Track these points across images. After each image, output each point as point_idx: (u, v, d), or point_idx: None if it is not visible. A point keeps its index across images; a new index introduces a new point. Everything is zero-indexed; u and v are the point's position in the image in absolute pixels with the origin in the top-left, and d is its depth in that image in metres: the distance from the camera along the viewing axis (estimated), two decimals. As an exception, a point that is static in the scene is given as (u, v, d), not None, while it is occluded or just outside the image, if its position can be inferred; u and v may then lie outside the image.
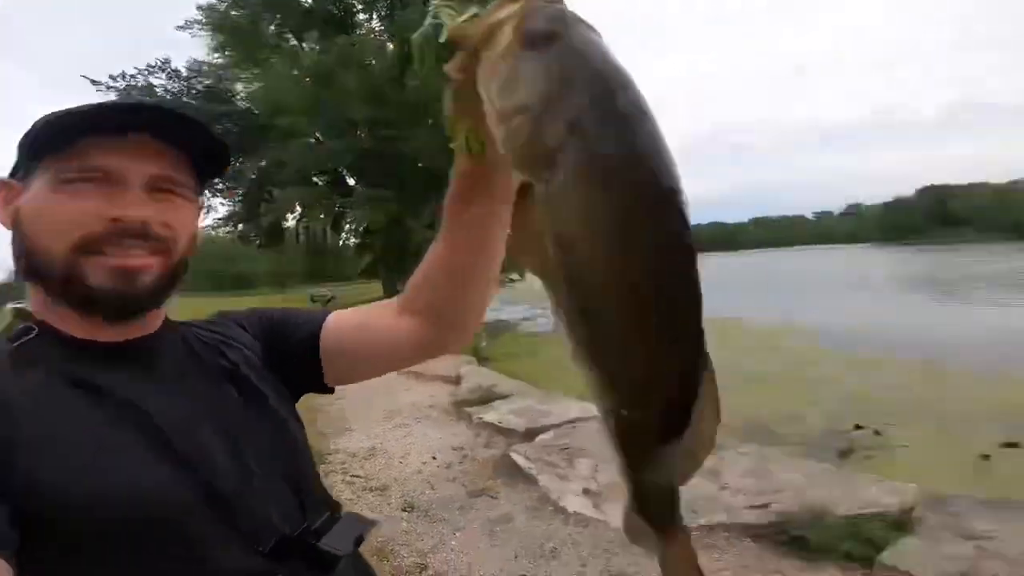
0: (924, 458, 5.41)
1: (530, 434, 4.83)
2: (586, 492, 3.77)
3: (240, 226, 24.59)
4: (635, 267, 0.40)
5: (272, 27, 20.72)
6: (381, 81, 16.60)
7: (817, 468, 4.00)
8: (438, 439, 5.00)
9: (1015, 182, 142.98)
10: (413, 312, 0.80)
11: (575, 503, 3.60)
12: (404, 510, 3.60)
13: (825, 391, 7.77)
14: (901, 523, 3.03)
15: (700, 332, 0.45)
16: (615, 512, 3.55)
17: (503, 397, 6.13)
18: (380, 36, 17.88)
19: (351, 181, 21.93)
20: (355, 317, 0.84)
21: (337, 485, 4.04)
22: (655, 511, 0.54)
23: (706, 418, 0.45)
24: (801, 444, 5.85)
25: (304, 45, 18.66)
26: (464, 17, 0.48)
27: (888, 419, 6.37)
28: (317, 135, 17.99)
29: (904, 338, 11.06)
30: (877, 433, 6.07)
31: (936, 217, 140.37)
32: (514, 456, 4.34)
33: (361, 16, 19.75)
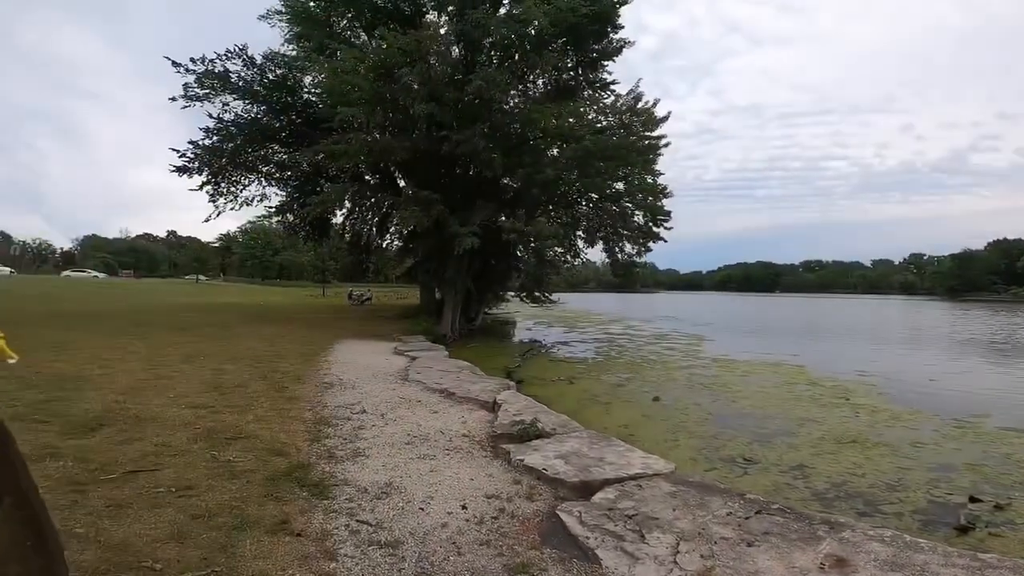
0: None
1: (584, 489, 3.89)
2: (664, 586, 2.81)
3: (289, 216, 24.56)
4: None
5: (344, 21, 20.89)
6: (441, 80, 16.26)
7: (976, 558, 3.05)
8: (469, 481, 4.09)
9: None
10: None
11: (653, 604, 2.64)
12: (420, 585, 2.69)
13: (917, 456, 6.79)
14: None
15: None
16: None
17: (547, 436, 5.20)
18: (447, 36, 17.62)
19: (401, 182, 21.69)
20: None
21: (339, 532, 3.17)
22: None
23: None
24: (908, 517, 5.09)
25: (373, 41, 18.73)
26: None
27: (1003, 492, 5.63)
28: (375, 133, 17.81)
29: (989, 401, 9.91)
30: (999, 507, 5.27)
31: (1006, 273, 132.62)
32: (565, 519, 3.40)
33: (430, 16, 19.64)
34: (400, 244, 24.35)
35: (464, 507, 3.62)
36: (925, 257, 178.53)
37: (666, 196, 21.71)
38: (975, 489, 5.67)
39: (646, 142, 19.79)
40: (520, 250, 20.28)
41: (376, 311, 27.05)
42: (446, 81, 16.41)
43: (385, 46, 16.47)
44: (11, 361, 7.82)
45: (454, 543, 3.11)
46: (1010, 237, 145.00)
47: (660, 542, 3.21)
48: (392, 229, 24.35)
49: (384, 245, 26.72)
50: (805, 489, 5.76)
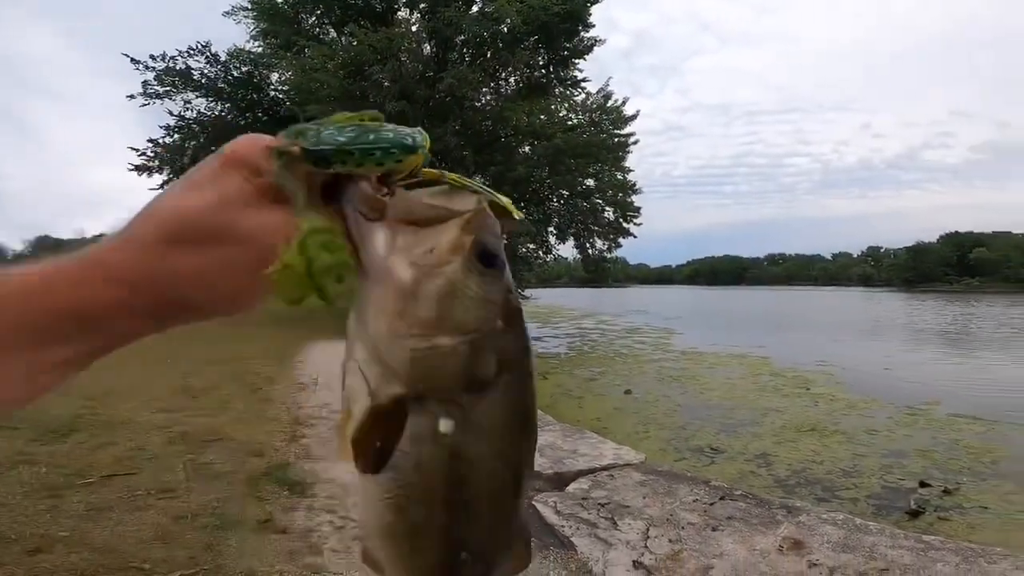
0: (1007, 521, 4.95)
1: (558, 480, 4.05)
2: (638, 566, 2.98)
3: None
4: (510, 477, 0.41)
5: (312, 17, 20.70)
6: (412, 78, 16.27)
7: (921, 540, 3.30)
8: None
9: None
10: None
11: (625, 584, 2.81)
12: (404, 575, 2.80)
13: (871, 442, 7.17)
14: None
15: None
16: None
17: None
18: (419, 33, 17.62)
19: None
20: None
21: (323, 528, 3.25)
22: None
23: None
24: (864, 502, 5.40)
25: (342, 38, 18.61)
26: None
27: (951, 477, 5.96)
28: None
29: (941, 389, 10.46)
30: (947, 492, 5.58)
31: (958, 265, 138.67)
32: (541, 509, 3.55)
33: (402, 13, 19.60)
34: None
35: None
36: (882, 250, 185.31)
37: (635, 192, 22.15)
38: (925, 474, 6.02)
39: (615, 140, 20.13)
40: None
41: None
42: (417, 79, 16.44)
43: (356, 43, 16.39)
44: None
45: (435, 535, 3.23)
46: (961, 230, 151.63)
47: (631, 528, 3.38)
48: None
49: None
50: (768, 476, 6.05)
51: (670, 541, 3.32)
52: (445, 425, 0.37)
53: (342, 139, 0.37)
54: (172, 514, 3.18)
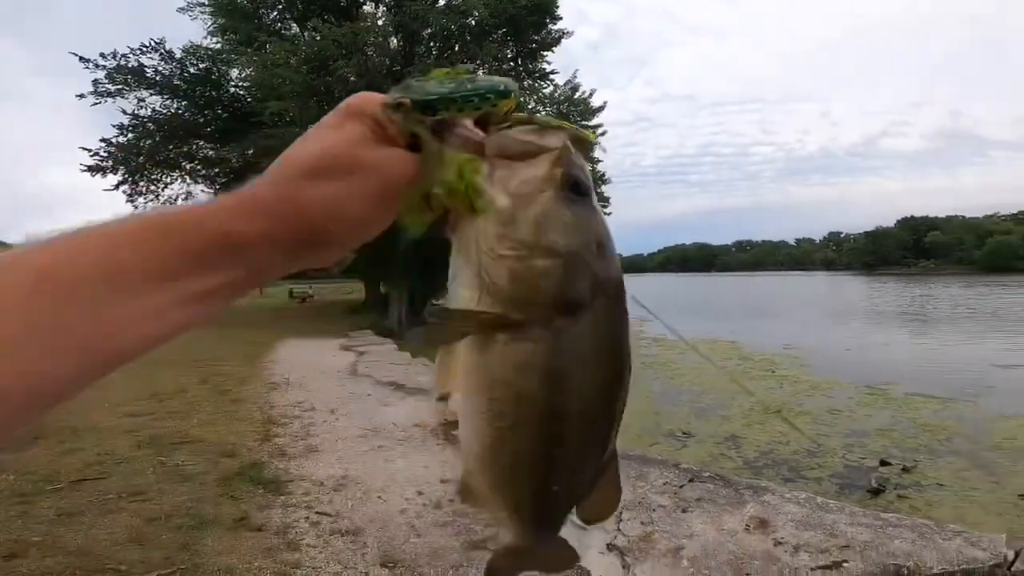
0: (963, 498, 5.15)
1: (533, 468, 4.12)
2: (612, 548, 3.07)
3: (219, 215, 23.56)
4: (607, 397, 0.44)
5: (274, 12, 20.22)
6: (379, 72, 16.06)
7: (879, 517, 3.44)
8: (424, 469, 4.23)
9: (990, 216, 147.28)
10: None
11: (601, 564, 2.89)
12: (384, 565, 2.83)
13: (834, 422, 7.42)
14: None
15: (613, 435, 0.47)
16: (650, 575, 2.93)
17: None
18: (385, 27, 17.37)
19: (338, 174, 21.26)
20: None
21: (299, 524, 3.26)
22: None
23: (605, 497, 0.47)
24: (828, 481, 5.57)
25: (305, 33, 18.21)
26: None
27: (909, 455, 6.14)
28: (309, 126, 17.38)
29: (900, 369, 10.82)
30: (906, 470, 5.79)
31: (914, 248, 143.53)
32: (517, 497, 3.62)
33: (367, 7, 19.30)
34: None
35: (420, 493, 3.77)
36: (842, 235, 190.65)
37: (604, 183, 22.31)
38: (885, 453, 6.23)
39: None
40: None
41: (320, 308, 26.49)
42: (384, 73, 16.22)
43: (319, 38, 16.09)
44: None
45: (413, 527, 3.27)
46: (916, 215, 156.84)
47: (605, 512, 3.47)
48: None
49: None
50: (737, 458, 6.23)
51: (642, 523, 3.42)
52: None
53: (445, 89, 0.42)
54: (145, 516, 3.15)
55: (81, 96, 19.38)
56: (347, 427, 5.50)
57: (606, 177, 22.50)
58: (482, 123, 0.44)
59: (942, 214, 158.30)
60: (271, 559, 2.77)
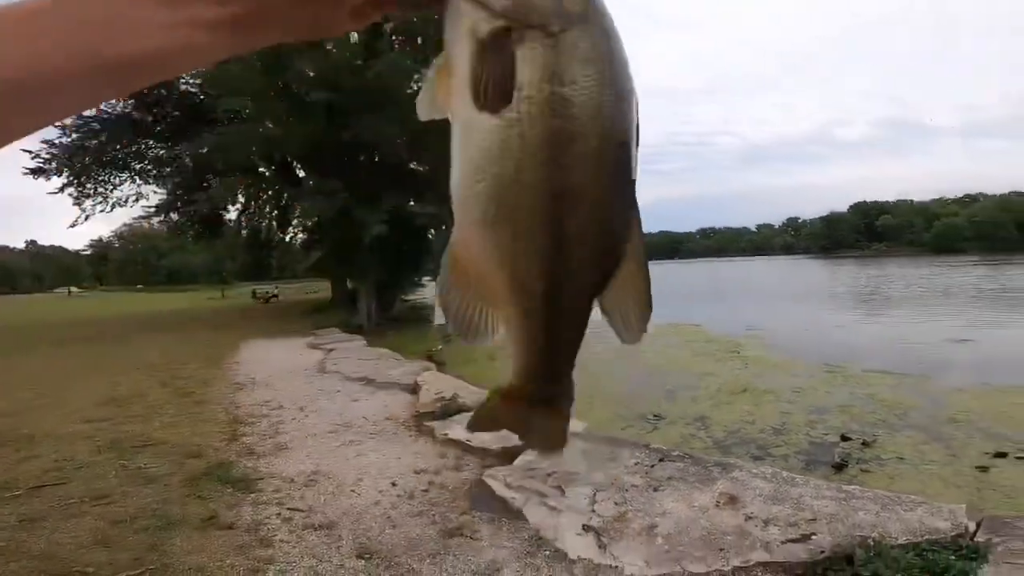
0: (922, 471, 5.28)
1: (507, 454, 4.13)
2: (587, 529, 3.11)
3: (174, 216, 22.81)
4: (614, 139, 0.39)
5: None
6: (340, 66, 15.74)
7: (842, 489, 3.56)
8: (397, 460, 4.21)
9: (937, 200, 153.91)
10: None
11: (577, 545, 2.92)
12: (360, 557, 2.81)
13: (797, 400, 7.64)
14: (976, 551, 2.65)
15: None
16: (628, 555, 2.98)
17: (469, 409, 5.40)
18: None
19: (300, 172, 20.82)
20: None
21: (271, 521, 3.20)
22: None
23: (634, 274, 0.43)
24: (794, 458, 5.70)
25: None
26: None
27: (869, 430, 6.26)
28: (268, 122, 16.94)
29: (857, 347, 11.20)
30: (866, 444, 5.94)
31: (867, 231, 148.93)
32: (491, 483, 3.62)
33: None
34: (305, 237, 23.46)
35: (394, 484, 3.75)
36: (800, 220, 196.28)
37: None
38: (845, 428, 6.41)
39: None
40: (432, 234, 20.21)
41: (285, 308, 25.97)
42: (345, 67, 15.90)
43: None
44: None
45: (388, 518, 3.25)
46: (868, 200, 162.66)
47: (579, 494, 3.51)
48: (295, 222, 23.39)
49: (287, 239, 25.62)
50: (707, 438, 6.36)
51: (615, 504, 3.47)
52: None
53: None
54: (109, 519, 3.05)
55: (20, 95, 18.52)
56: (317, 423, 5.42)
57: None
58: None
59: (892, 199, 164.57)
60: (243, 556, 2.72)
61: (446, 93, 0.41)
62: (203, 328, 17.07)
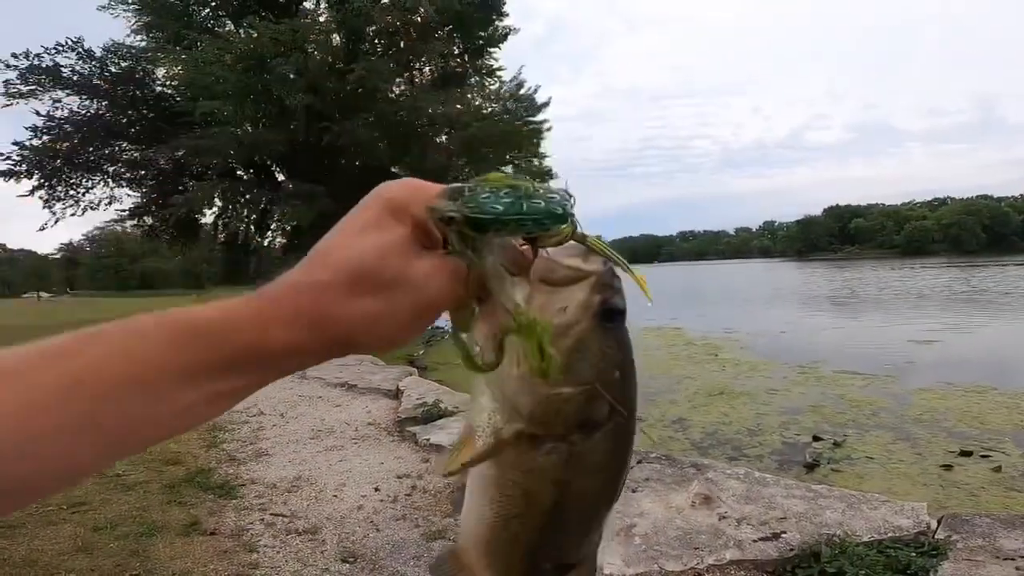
0: (890, 470, 5.40)
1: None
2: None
3: (148, 219, 22.45)
4: (602, 505, 0.48)
5: (206, 9, 19.43)
6: (321, 70, 15.71)
7: (810, 489, 3.67)
8: (380, 465, 4.24)
9: (907, 203, 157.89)
10: None
11: (554, 547, 2.99)
12: (344, 560, 2.84)
13: (772, 401, 7.78)
14: (936, 548, 2.76)
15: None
16: (605, 555, 3.05)
17: (450, 414, 5.44)
18: (327, 24, 16.98)
19: (280, 176, 20.66)
20: None
21: (254, 526, 3.22)
22: None
23: None
24: (768, 458, 5.79)
25: (241, 30, 17.56)
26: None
27: (839, 430, 6.37)
28: (247, 125, 16.80)
29: (827, 348, 11.43)
30: (837, 444, 6.05)
31: (840, 234, 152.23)
32: (474, 486, 3.68)
33: (308, 3, 18.79)
34: (284, 241, 23.26)
35: (377, 489, 3.79)
36: (776, 224, 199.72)
37: (551, 178, 22.60)
38: (817, 429, 6.54)
39: (529, 127, 20.43)
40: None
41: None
42: (326, 70, 15.88)
43: (255, 35, 15.59)
44: None
45: (371, 522, 3.29)
46: (841, 203, 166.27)
47: (559, 494, 3.58)
48: (274, 226, 23.18)
49: (266, 243, 25.38)
50: (685, 440, 6.46)
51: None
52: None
53: (499, 208, 0.40)
54: (89, 525, 3.04)
55: (-10, 96, 18.14)
56: (298, 429, 5.42)
57: (552, 173, 22.83)
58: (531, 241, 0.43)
59: (864, 202, 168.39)
60: (228, 561, 2.74)
61: (469, 461, 0.44)
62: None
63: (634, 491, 3.79)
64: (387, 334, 0.38)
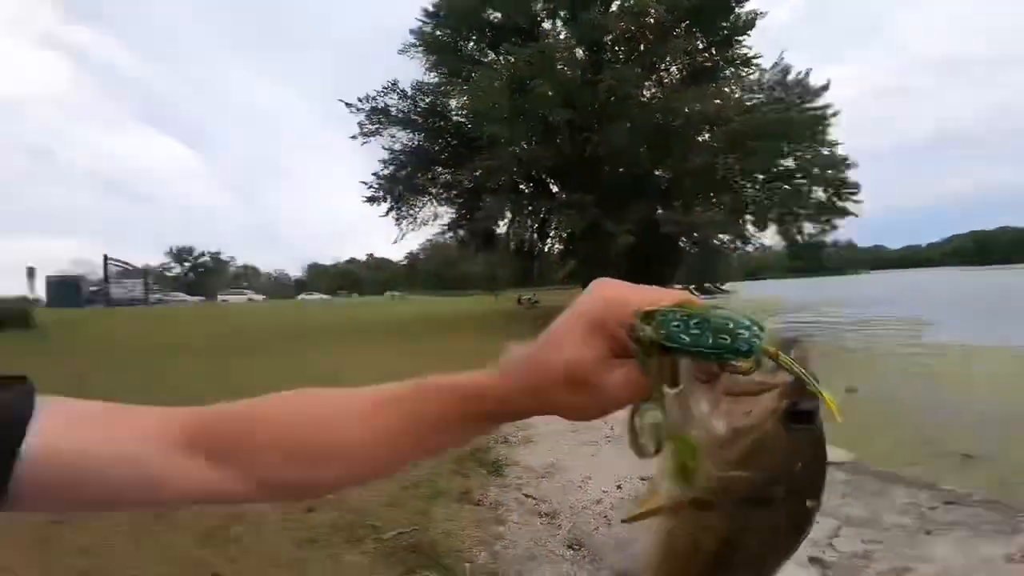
0: None
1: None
2: (813, 561, 2.85)
3: (460, 232, 26.59)
4: (774, 562, 0.47)
5: (470, 43, 22.19)
6: (573, 84, 16.61)
7: None
8: (628, 465, 4.38)
9: None
10: (220, 463, 0.50)
11: (797, 577, 2.71)
12: (570, 547, 3.09)
13: None
14: None
15: None
16: None
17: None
18: (568, 40, 17.95)
19: (555, 188, 22.37)
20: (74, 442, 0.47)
21: (509, 503, 3.69)
22: None
23: None
24: None
25: (500, 57, 19.62)
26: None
27: None
28: (523, 143, 18.66)
29: None
30: None
31: None
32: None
33: (546, 24, 20.08)
34: (561, 247, 25.06)
35: (619, 487, 3.93)
36: None
37: (850, 167, 19.62)
38: None
39: (807, 114, 18.14)
40: (682, 241, 19.76)
41: (545, 313, 27.87)
42: (578, 84, 16.69)
43: (512, 60, 17.21)
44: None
45: (605, 516, 3.47)
46: None
47: (817, 526, 3.17)
48: (552, 233, 25.23)
49: (546, 249, 27.72)
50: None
51: (863, 541, 3.08)
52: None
53: (686, 339, 0.43)
54: (399, 485, 3.87)
55: (353, 137, 23.82)
56: (561, 422, 5.85)
57: (850, 161, 19.74)
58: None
59: None
60: (481, 530, 3.22)
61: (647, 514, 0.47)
62: (472, 331, 19.25)
63: (928, 533, 3.19)
64: (584, 416, 0.49)
